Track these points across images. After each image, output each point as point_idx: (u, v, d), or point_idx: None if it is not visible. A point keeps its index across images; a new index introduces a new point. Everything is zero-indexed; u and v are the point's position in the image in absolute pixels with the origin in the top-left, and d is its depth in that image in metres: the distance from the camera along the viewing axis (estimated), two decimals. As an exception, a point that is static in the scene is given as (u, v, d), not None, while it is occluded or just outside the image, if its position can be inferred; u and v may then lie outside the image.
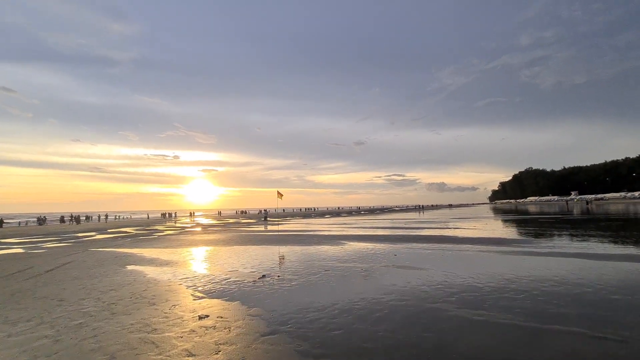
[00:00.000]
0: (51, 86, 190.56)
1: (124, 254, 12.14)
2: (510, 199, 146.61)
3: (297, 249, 12.25)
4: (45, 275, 8.32)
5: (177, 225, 36.93)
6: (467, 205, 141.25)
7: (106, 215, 57.93)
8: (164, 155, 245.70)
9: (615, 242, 11.20)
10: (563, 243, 11.52)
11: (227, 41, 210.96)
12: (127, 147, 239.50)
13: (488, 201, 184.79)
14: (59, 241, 19.43)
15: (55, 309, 5.28)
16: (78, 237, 22.04)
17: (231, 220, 46.12)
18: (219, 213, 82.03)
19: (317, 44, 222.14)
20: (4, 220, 46.06)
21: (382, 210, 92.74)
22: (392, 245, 12.59)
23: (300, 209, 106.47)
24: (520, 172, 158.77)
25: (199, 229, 28.70)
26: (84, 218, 54.06)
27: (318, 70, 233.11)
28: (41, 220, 45.32)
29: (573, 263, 7.89)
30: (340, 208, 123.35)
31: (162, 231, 26.47)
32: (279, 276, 7.45)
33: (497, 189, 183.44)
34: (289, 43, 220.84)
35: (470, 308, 4.78)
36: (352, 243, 13.66)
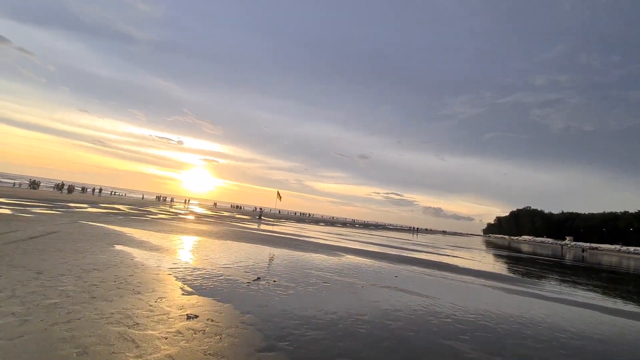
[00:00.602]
0: (68, 54, 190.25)
1: (113, 232, 11.61)
2: (505, 235, 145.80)
3: (294, 254, 11.73)
4: (27, 242, 7.80)
5: (172, 210, 36.30)
6: (461, 234, 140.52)
7: (100, 189, 57.18)
8: (169, 139, 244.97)
9: (623, 298, 10.74)
10: (569, 290, 11.03)
11: (246, 34, 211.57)
12: (133, 126, 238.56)
13: (482, 233, 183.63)
14: (50, 208, 18.84)
15: (30, 281, 4.77)
16: (69, 207, 21.45)
17: (225, 214, 45.47)
18: (215, 204, 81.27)
19: (333, 52, 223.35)
20: (0, 180, 45.34)
21: (376, 226, 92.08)
22: (391, 264, 12.08)
23: (295, 213, 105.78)
24: (518, 210, 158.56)
25: (192, 217, 28.11)
26: (80, 189, 53.32)
27: (331, 78, 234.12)
28: (34, 185, 44.59)
29: (586, 314, 7.40)
30: (335, 218, 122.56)
31: (155, 214, 25.87)
32: (274, 281, 6.95)
33: (492, 222, 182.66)
34: (305, 47, 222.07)
35: (488, 352, 4.29)
36: (349, 256, 13.14)
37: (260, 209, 48.40)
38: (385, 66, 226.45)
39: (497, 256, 25.86)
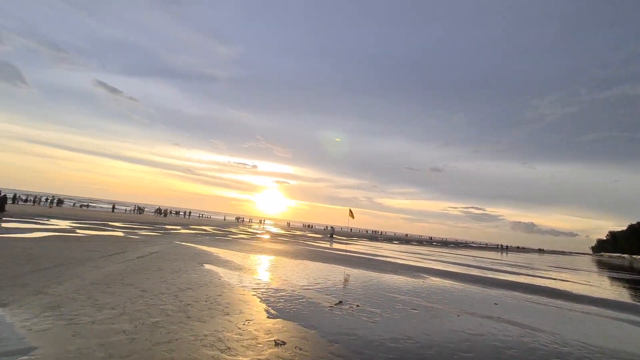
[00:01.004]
0: (165, 97, 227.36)
1: (202, 252, 12.57)
2: (623, 254, 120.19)
3: (372, 275, 11.11)
4: (135, 261, 8.80)
5: (250, 230, 38.70)
6: (562, 252, 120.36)
7: (189, 212, 64.38)
8: (244, 164, 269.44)
9: None
10: None
11: (308, 59, 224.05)
12: (215, 154, 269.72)
13: (591, 252, 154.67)
14: (151, 230, 21.62)
15: (137, 299, 5.20)
16: (166, 229, 24.35)
17: (298, 233, 46.74)
18: (288, 224, 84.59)
19: (397, 66, 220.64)
20: (116, 207, 54.68)
21: (457, 244, 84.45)
22: (485, 289, 10.56)
23: (367, 231, 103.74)
24: (638, 223, 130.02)
25: (268, 236, 29.41)
26: (174, 213, 60.96)
27: (397, 93, 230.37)
28: (140, 210, 52.39)
29: None
30: (409, 235, 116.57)
31: (236, 234, 27.77)
32: (357, 305, 6.50)
33: (604, 238, 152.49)
34: (367, 64, 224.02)
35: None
36: (434, 278, 11.94)
37: (332, 227, 48.55)
38: (455, 74, 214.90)
39: (619, 280, 21.04)
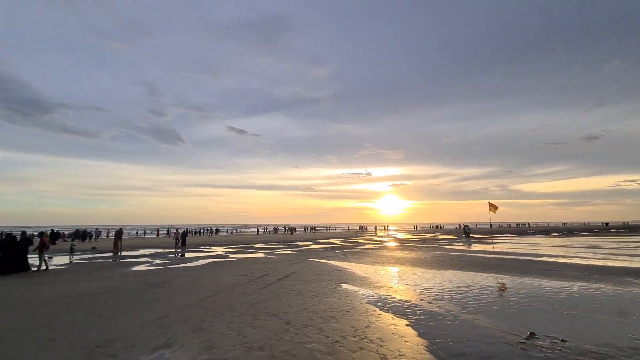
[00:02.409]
0: (279, 127, 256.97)
1: (336, 268, 12.19)
2: None
3: (550, 285, 8.34)
4: (276, 285, 8.88)
5: (375, 238, 37.84)
6: None
7: (314, 227, 68.36)
8: (358, 173, 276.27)
9: None
10: None
11: (406, 55, 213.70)
12: (329, 169, 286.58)
13: None
14: (286, 248, 23.19)
15: (282, 335, 4.74)
16: (299, 246, 25.83)
17: (427, 235, 43.20)
18: (415, 227, 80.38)
19: (511, 29, 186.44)
20: (254, 229, 63.14)
21: (650, 228, 62.62)
22: None
23: (509, 225, 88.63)
24: None
25: (397, 244, 27.79)
26: (302, 229, 66.11)
27: (517, 59, 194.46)
28: (276, 230, 58.80)
29: None
30: (568, 224, 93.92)
31: (363, 244, 27.27)
32: (562, 340, 4.48)
33: None
34: (472, 38, 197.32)
35: None
36: (661, 286, 8.16)
37: (466, 226, 43.01)
38: (596, 9, 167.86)
39: None
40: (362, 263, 13.87)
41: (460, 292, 7.71)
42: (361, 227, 74.83)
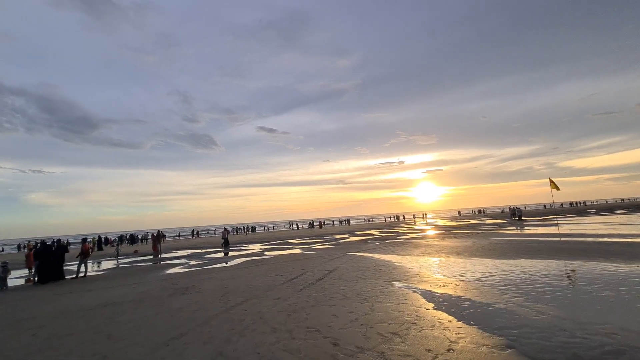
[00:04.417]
0: (307, 123, 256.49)
1: (381, 262, 10.69)
2: None
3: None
4: (315, 285, 7.60)
5: (416, 227, 35.60)
6: None
7: (348, 220, 66.57)
8: (390, 162, 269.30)
9: None
10: None
11: (429, 35, 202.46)
12: (360, 160, 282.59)
13: None
14: (323, 242, 21.98)
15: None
16: (336, 239, 24.53)
17: (472, 221, 40.04)
18: (459, 213, 76.13)
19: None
20: (291, 225, 62.92)
21: None
22: None
23: (562, 205, 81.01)
24: None
25: (441, 231, 25.56)
26: (332, 223, 64.78)
27: (555, 25, 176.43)
28: (311, 225, 58.00)
29: None
30: (628, 200, 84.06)
31: (404, 234, 25.38)
32: None
33: None
34: (500, 7, 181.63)
35: None
36: None
37: (516, 208, 39.31)
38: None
39: None
40: (409, 255, 12.24)
41: (546, 289, 5.91)
42: (398, 217, 72.10)
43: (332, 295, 6.44)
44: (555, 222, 27.00)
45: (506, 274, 7.47)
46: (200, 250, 22.45)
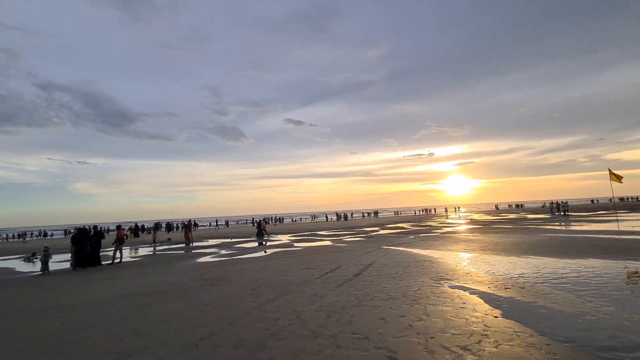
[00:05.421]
0: (334, 115, 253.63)
1: (421, 257, 9.83)
2: None
3: None
4: (353, 281, 6.94)
5: (449, 221, 33.93)
6: None
7: (376, 212, 65.09)
8: (420, 154, 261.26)
9: None
10: None
11: (461, 22, 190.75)
12: (388, 152, 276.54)
13: None
14: (353, 235, 21.27)
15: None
16: (366, 232, 23.72)
17: (511, 216, 37.57)
18: (496, 207, 72.46)
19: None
20: (319, 216, 62.65)
21: None
22: None
23: (610, 200, 74.50)
24: None
25: (478, 226, 23.96)
26: (361, 215, 63.71)
27: (602, 8, 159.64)
28: (339, 216, 57.46)
29: None
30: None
31: (439, 228, 24.08)
32: None
33: None
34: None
35: None
36: None
37: (562, 202, 36.36)
38: None
39: None
40: (450, 250, 11.24)
41: (632, 295, 4.84)
42: (428, 210, 69.68)
43: (374, 295, 5.75)
44: (611, 217, 24.44)
45: (578, 277, 6.39)
46: (230, 240, 22.56)
